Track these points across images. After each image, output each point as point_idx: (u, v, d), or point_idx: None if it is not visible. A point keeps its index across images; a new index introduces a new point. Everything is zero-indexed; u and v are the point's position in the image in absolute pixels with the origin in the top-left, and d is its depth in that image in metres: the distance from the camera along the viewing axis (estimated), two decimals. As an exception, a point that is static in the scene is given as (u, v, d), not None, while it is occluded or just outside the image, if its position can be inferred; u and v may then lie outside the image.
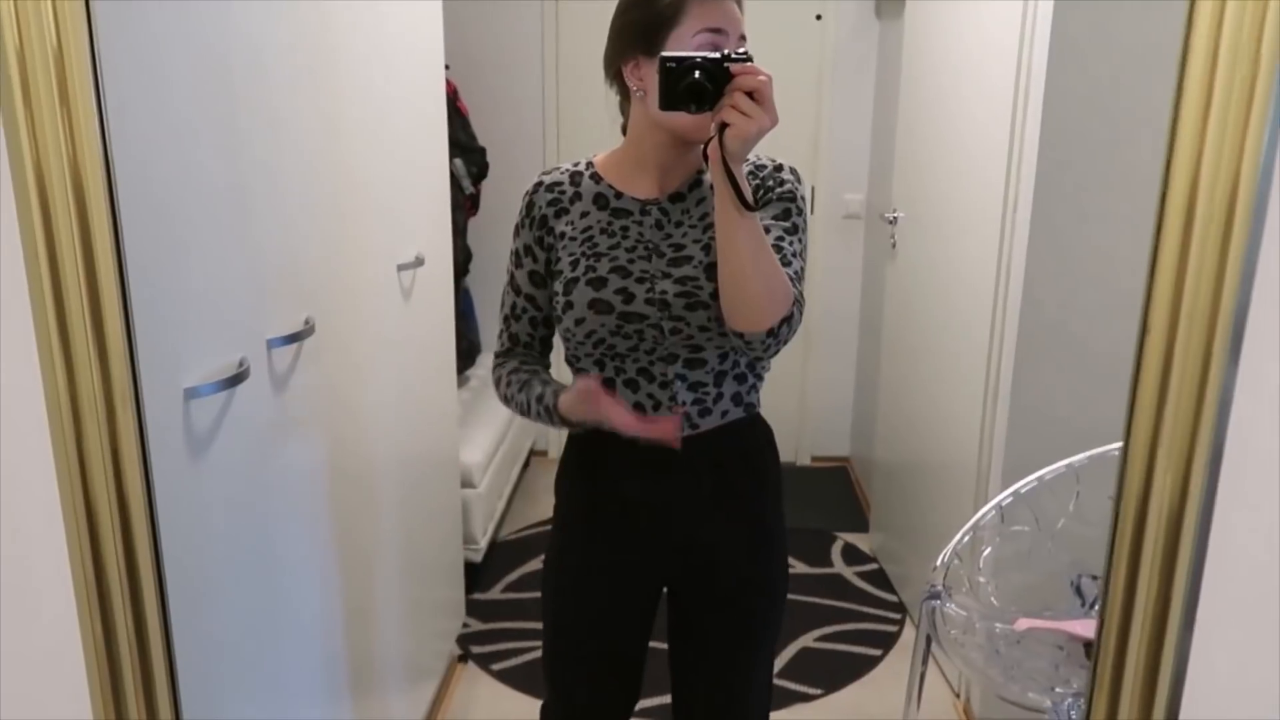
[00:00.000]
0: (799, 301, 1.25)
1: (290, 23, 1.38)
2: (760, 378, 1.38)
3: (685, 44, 1.20)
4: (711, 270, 1.26)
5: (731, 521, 1.38)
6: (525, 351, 1.41)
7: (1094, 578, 1.72)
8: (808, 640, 2.62)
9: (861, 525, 3.31)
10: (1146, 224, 0.74)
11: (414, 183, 2.03)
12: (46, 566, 0.92)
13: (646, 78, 1.24)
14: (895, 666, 2.51)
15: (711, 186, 1.30)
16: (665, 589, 1.46)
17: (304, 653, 1.49)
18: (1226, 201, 0.67)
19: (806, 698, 2.38)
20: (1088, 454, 1.73)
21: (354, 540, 1.68)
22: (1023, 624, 1.68)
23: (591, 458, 1.39)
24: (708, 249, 1.27)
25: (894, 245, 2.91)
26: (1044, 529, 1.78)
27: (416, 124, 2.05)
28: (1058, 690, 1.59)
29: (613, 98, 1.35)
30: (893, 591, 2.89)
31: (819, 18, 3.50)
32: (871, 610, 2.79)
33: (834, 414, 3.87)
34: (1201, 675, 0.76)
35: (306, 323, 1.41)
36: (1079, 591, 1.73)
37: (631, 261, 1.28)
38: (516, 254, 1.36)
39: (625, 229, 1.30)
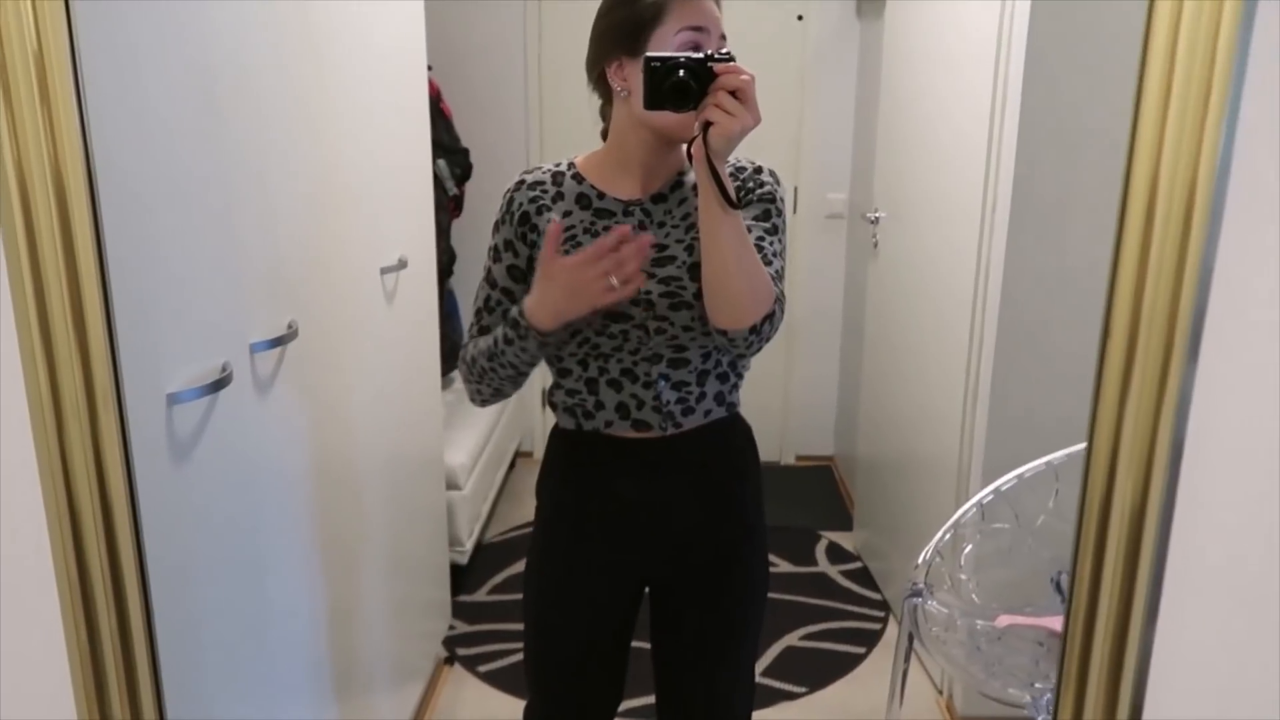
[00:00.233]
0: (780, 300, 1.26)
1: (272, 24, 1.38)
2: (741, 377, 1.39)
3: (668, 43, 1.21)
4: (695, 270, 1.27)
5: (713, 519, 1.39)
6: None
7: (1073, 574, 1.74)
8: (792, 639, 2.63)
9: (846, 524, 3.33)
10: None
11: (397, 185, 2.03)
12: (30, 571, 0.92)
13: (630, 78, 1.25)
14: (879, 664, 2.53)
15: (693, 187, 1.31)
16: (647, 588, 1.47)
17: (290, 656, 1.49)
18: (1184, 203, 0.69)
19: (791, 696, 2.40)
20: (1066, 451, 1.75)
21: (339, 543, 1.68)
22: (1003, 620, 1.70)
23: (574, 459, 1.40)
24: (690, 249, 1.28)
25: (876, 245, 2.93)
26: (1024, 526, 1.80)
27: (399, 126, 2.05)
28: (1037, 686, 1.61)
29: (595, 99, 1.36)
30: (876, 589, 2.91)
31: (800, 18, 3.52)
32: (855, 608, 2.81)
33: (818, 413, 3.89)
34: (1165, 667, 0.78)
35: (290, 326, 1.41)
36: (1059, 588, 1.75)
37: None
38: (495, 249, 1.36)
39: (608, 229, 1.31)
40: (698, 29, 1.21)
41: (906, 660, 1.80)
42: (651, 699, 1.52)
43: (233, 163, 1.26)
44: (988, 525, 1.82)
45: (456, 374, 3.38)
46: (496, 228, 1.36)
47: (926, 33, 2.52)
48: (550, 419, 1.43)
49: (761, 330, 1.23)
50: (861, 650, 2.59)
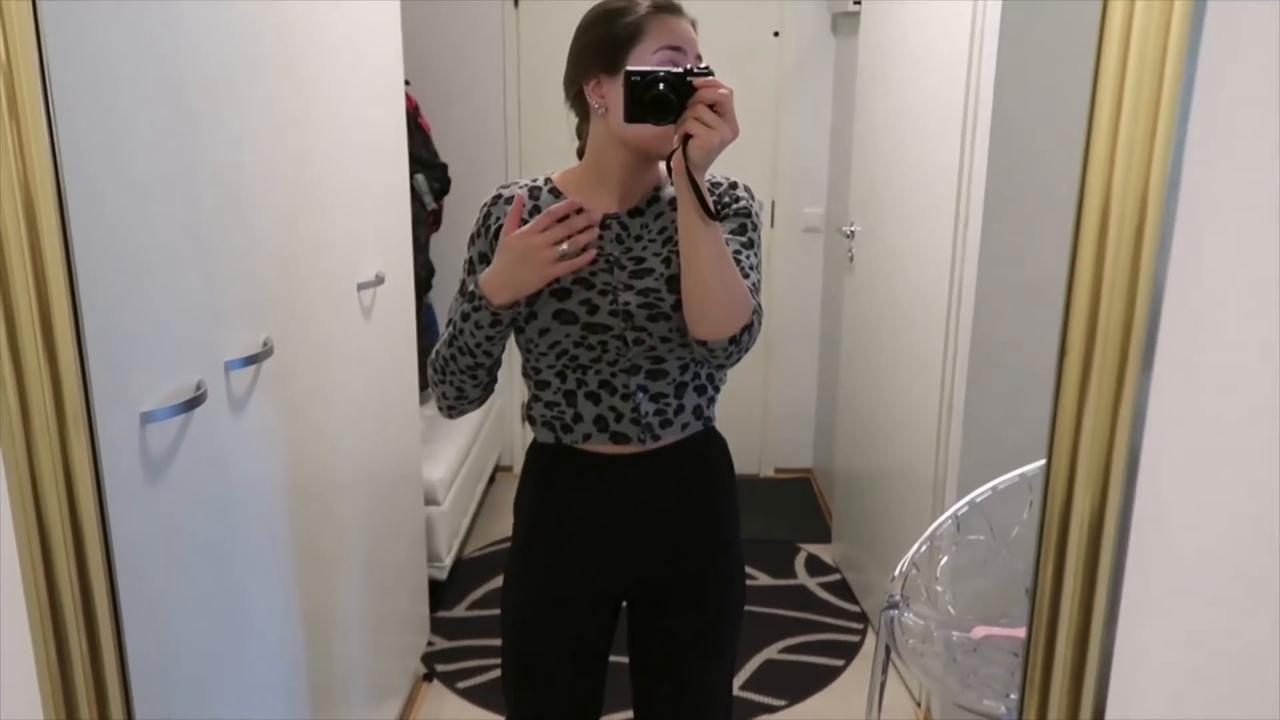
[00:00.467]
0: (758, 311, 1.28)
1: (247, 37, 1.38)
2: (718, 390, 1.40)
3: (645, 61, 1.23)
4: (672, 282, 1.28)
5: (690, 534, 1.40)
6: None
7: (1047, 585, 1.76)
8: (771, 652, 2.63)
9: (824, 536, 3.34)
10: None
11: (374, 201, 2.04)
12: (-1, 593, 0.91)
13: (608, 95, 1.26)
14: (858, 676, 2.53)
15: (670, 202, 1.33)
16: (625, 604, 1.47)
17: (266, 672, 1.48)
18: (1136, 218, 0.72)
19: (770, 709, 2.40)
20: (1039, 463, 1.75)
21: (317, 560, 1.67)
22: (979, 631, 1.71)
23: (551, 474, 1.40)
24: (668, 262, 1.30)
25: (851, 258, 2.95)
26: (999, 537, 1.81)
27: (376, 141, 2.05)
28: (1012, 697, 1.62)
29: (573, 116, 1.37)
30: (855, 601, 2.92)
31: (776, 34, 3.55)
32: (834, 621, 2.82)
33: (796, 425, 3.91)
34: (1125, 670, 0.80)
35: (265, 344, 1.40)
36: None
37: (594, 274, 1.30)
38: (470, 261, 1.37)
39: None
40: (675, 49, 1.24)
41: (884, 672, 1.81)
42: (630, 713, 1.52)
43: (207, 178, 1.26)
44: (963, 537, 1.83)
45: (435, 389, 3.38)
46: (472, 241, 1.37)
47: (900, 50, 2.55)
48: (529, 434, 1.44)
49: (740, 340, 1.25)
50: (840, 663, 2.60)
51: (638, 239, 1.33)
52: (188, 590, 1.23)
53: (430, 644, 2.63)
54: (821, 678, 2.53)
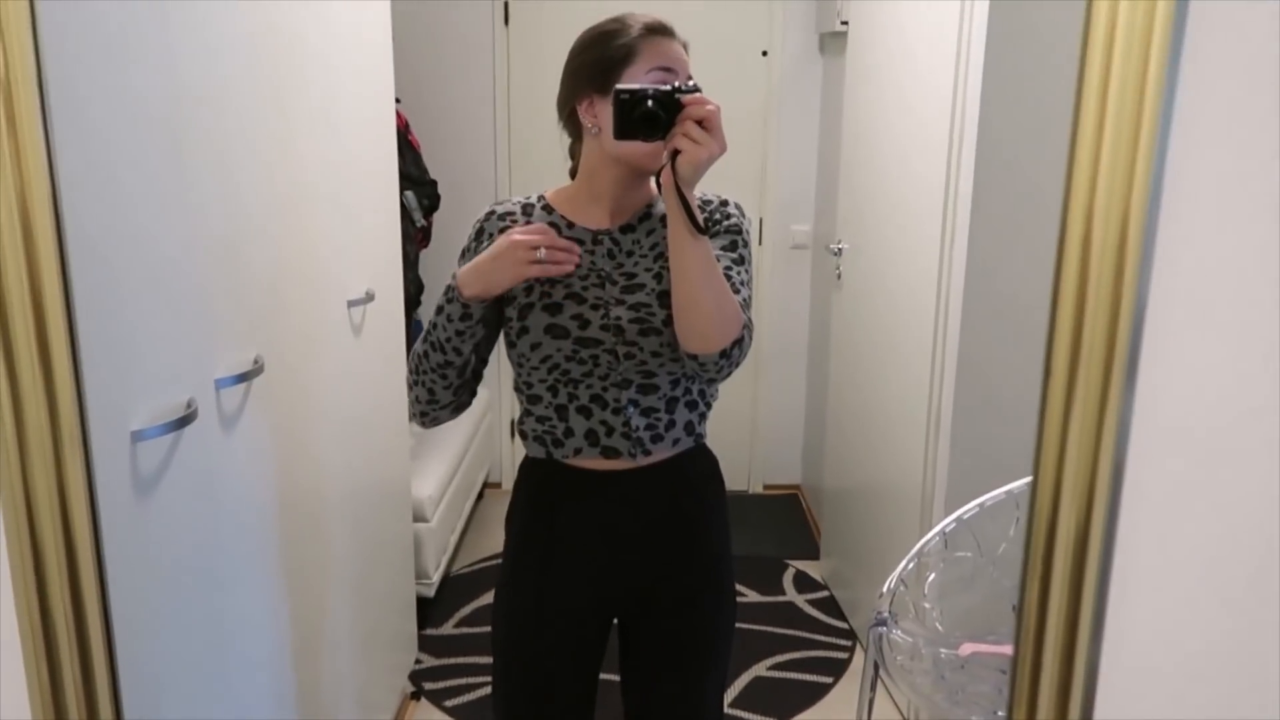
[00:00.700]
0: (748, 326, 1.29)
1: (237, 56, 1.39)
2: (709, 406, 1.41)
3: (639, 81, 1.26)
4: (663, 298, 1.29)
5: (681, 551, 1.40)
6: None
7: (1035, 601, 1.76)
8: (760, 669, 2.63)
9: (813, 552, 3.35)
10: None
11: (364, 218, 2.04)
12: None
13: (600, 115, 1.28)
14: (846, 693, 2.54)
15: (661, 218, 1.34)
16: (615, 621, 1.47)
17: (254, 690, 1.47)
18: (1118, 238, 0.73)
19: (760, 726, 2.40)
20: (1026, 480, 1.76)
21: (305, 577, 1.67)
22: (967, 649, 1.72)
23: (543, 490, 1.40)
24: (659, 277, 1.31)
25: (839, 276, 2.97)
26: (986, 554, 1.82)
27: (367, 158, 2.06)
28: (999, 714, 1.62)
29: (564, 135, 1.39)
30: (843, 618, 2.92)
31: (765, 54, 3.58)
32: (823, 638, 2.82)
33: (785, 442, 3.91)
34: (1111, 684, 0.81)
35: (255, 362, 1.40)
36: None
37: (585, 289, 1.31)
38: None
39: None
40: (666, 69, 1.26)
41: (873, 689, 1.81)
42: (619, 732, 1.52)
43: (197, 197, 1.26)
44: (951, 554, 1.84)
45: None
46: (463, 255, 1.38)
47: (886, 69, 2.58)
48: (519, 450, 1.44)
49: (731, 355, 1.26)
50: (829, 680, 2.60)
51: (629, 254, 1.34)
52: (177, 608, 1.22)
53: (418, 661, 2.62)
54: (810, 695, 2.53)
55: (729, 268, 1.32)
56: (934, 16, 2.18)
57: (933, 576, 1.88)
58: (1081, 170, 0.73)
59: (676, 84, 1.21)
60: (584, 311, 1.30)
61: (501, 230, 1.37)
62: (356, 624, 1.99)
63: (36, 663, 0.87)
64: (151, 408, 1.14)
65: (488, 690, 2.40)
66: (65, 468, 0.85)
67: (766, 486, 3.95)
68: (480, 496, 3.67)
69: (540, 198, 1.40)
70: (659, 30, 1.28)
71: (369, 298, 2.00)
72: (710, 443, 1.44)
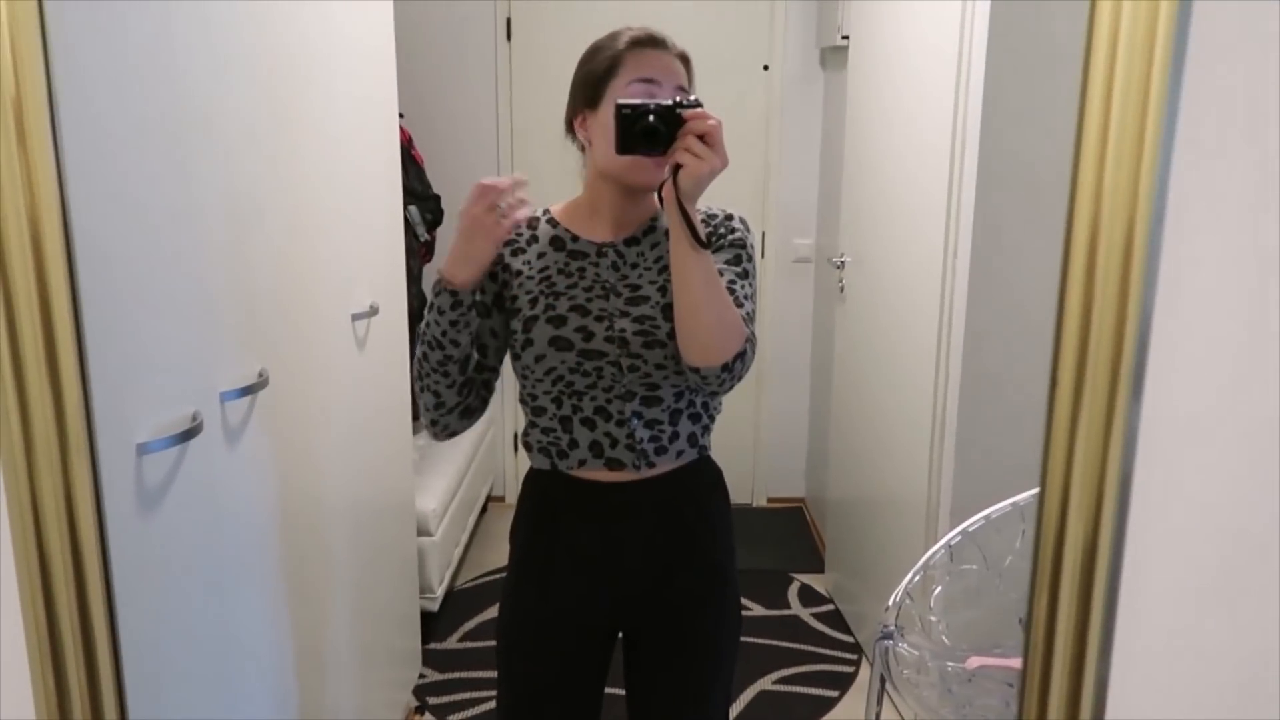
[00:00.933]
0: (751, 339, 1.29)
1: (242, 72, 1.39)
2: (713, 419, 1.41)
3: (620, 94, 1.26)
4: (667, 311, 1.29)
5: (685, 564, 1.40)
6: None
7: (1041, 614, 1.75)
8: (765, 683, 2.62)
9: (817, 566, 3.34)
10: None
11: (368, 232, 2.05)
12: (-5, 625, 0.91)
13: (592, 130, 1.30)
14: (852, 707, 2.52)
15: (665, 232, 1.34)
16: (620, 634, 1.47)
17: (257, 704, 1.47)
18: (1123, 249, 0.73)
19: (765, 741, 2.38)
20: (1032, 493, 1.77)
21: (308, 591, 1.66)
22: (974, 662, 1.71)
23: (547, 502, 1.40)
24: (663, 290, 1.31)
25: (842, 289, 2.98)
26: (992, 567, 1.81)
27: (371, 173, 2.07)
28: (1008, 726, 1.61)
29: (565, 147, 1.40)
30: (849, 632, 2.91)
31: (766, 68, 3.60)
32: (828, 651, 2.81)
33: (789, 455, 3.91)
34: (1121, 700, 0.80)
35: (260, 375, 1.41)
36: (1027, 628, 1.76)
37: (589, 300, 1.31)
38: None
39: (582, 270, 1.34)
40: (647, 80, 1.26)
41: (879, 703, 1.80)
42: (624, 746, 1.51)
43: (203, 211, 1.27)
44: (956, 566, 1.83)
45: (427, 419, 3.37)
46: None
47: (887, 83, 2.59)
48: (522, 463, 1.44)
49: (733, 368, 1.26)
50: (835, 694, 2.59)
51: (634, 267, 1.34)
52: (180, 621, 1.22)
53: (422, 676, 2.61)
54: (816, 709, 2.52)
55: (732, 281, 1.32)
56: (935, 29, 2.19)
57: (938, 590, 1.87)
58: (1085, 179, 0.73)
59: (679, 99, 1.22)
60: (588, 324, 1.31)
61: (506, 243, 1.38)
62: (360, 638, 1.98)
63: (43, 674, 0.87)
64: (157, 420, 1.14)
65: (492, 705, 2.39)
66: (72, 479, 0.85)
67: (770, 500, 3.94)
68: (484, 510, 3.67)
69: (546, 211, 1.41)
70: (645, 42, 1.29)
71: (373, 311, 2.01)
72: (714, 455, 1.44)
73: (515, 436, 3.78)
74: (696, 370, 1.26)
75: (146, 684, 1.09)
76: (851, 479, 2.92)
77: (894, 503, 2.50)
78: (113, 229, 1.04)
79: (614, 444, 1.33)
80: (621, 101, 1.20)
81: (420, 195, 3.20)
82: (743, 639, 1.49)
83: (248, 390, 1.36)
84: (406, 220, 2.94)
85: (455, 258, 1.27)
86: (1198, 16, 0.72)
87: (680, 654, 1.42)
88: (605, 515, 1.36)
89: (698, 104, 1.19)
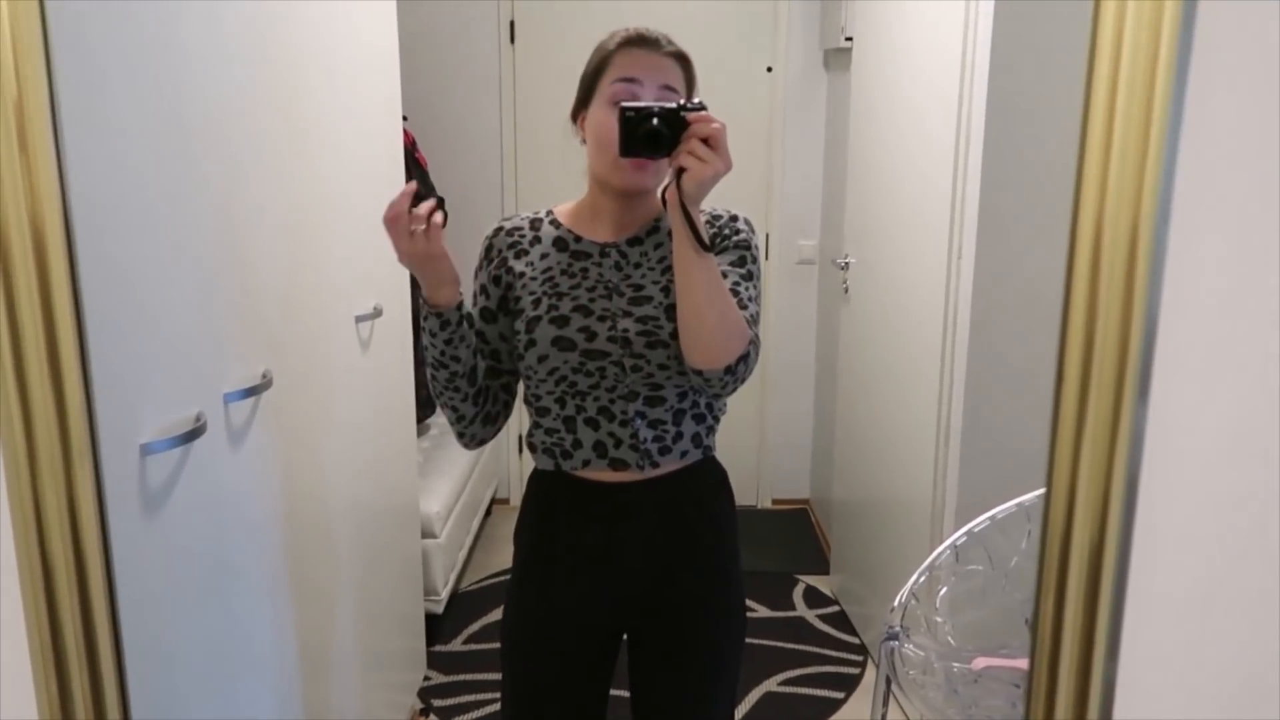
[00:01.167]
0: (755, 342, 1.28)
1: (247, 74, 1.40)
2: (717, 419, 1.40)
3: (603, 95, 1.27)
4: (671, 311, 1.29)
5: (687, 565, 1.39)
6: None
7: (1047, 614, 1.75)
8: (771, 685, 2.61)
9: (822, 567, 3.33)
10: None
11: (372, 234, 2.04)
12: (1, 622, 0.90)
13: (587, 129, 1.32)
14: (858, 708, 2.51)
15: (669, 231, 1.34)
16: (625, 636, 1.46)
17: (262, 707, 1.46)
18: (1128, 247, 0.73)
19: (770, 743, 2.38)
20: (1037, 493, 1.75)
21: (312, 593, 1.66)
22: (980, 663, 1.71)
23: (550, 502, 1.40)
24: (667, 290, 1.31)
25: (846, 290, 2.97)
26: (997, 567, 1.81)
27: (374, 175, 2.07)
28: (1014, 728, 1.61)
29: (569, 149, 1.40)
30: (854, 633, 2.90)
31: (769, 69, 3.59)
32: (833, 653, 2.80)
33: (793, 456, 3.90)
34: (1128, 702, 0.80)
35: (264, 376, 1.41)
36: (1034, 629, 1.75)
37: (592, 301, 1.31)
38: (474, 294, 1.40)
39: (585, 270, 1.34)
40: (629, 80, 1.27)
41: (885, 704, 1.80)
42: (629, 747, 1.51)
43: (207, 212, 1.27)
44: (962, 567, 1.83)
45: (432, 421, 3.38)
46: (475, 273, 1.39)
47: (891, 84, 2.59)
48: (526, 466, 1.44)
49: (736, 371, 1.25)
50: (840, 695, 2.58)
51: (637, 266, 1.34)
52: (184, 623, 1.22)
53: (427, 678, 2.61)
54: (821, 710, 2.51)
55: (737, 283, 1.32)
56: (939, 31, 2.19)
57: (944, 590, 1.86)
58: (1090, 179, 0.73)
59: (682, 101, 1.22)
60: (591, 324, 1.31)
61: (509, 245, 1.38)
62: (364, 640, 1.98)
63: (46, 676, 0.87)
64: (160, 421, 1.14)
65: (497, 707, 2.39)
66: (75, 480, 0.85)
67: (775, 501, 3.94)
68: (488, 512, 3.67)
69: (549, 212, 1.41)
70: (636, 42, 1.29)
71: (377, 313, 2.01)
72: (718, 457, 1.43)
73: (519, 439, 3.78)
74: (699, 372, 1.26)
75: (149, 686, 1.09)
76: (856, 480, 2.92)
77: (899, 504, 2.50)
78: (115, 230, 1.04)
79: (618, 444, 1.33)
80: (625, 104, 1.21)
81: (424, 198, 3.20)
82: (747, 640, 1.48)
83: (251, 391, 1.36)
84: (410, 223, 2.94)
85: (424, 284, 1.28)
86: (1202, 14, 0.72)
87: (683, 655, 1.42)
88: (609, 515, 1.36)
89: (701, 107, 1.19)
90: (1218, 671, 0.80)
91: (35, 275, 0.83)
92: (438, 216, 1.23)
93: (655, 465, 1.34)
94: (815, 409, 3.84)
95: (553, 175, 3.57)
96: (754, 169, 3.64)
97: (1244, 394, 0.76)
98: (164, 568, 1.16)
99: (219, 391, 1.29)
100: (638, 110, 1.19)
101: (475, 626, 2.93)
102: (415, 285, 3.18)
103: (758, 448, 3.88)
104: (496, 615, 2.96)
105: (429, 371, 1.35)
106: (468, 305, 1.37)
